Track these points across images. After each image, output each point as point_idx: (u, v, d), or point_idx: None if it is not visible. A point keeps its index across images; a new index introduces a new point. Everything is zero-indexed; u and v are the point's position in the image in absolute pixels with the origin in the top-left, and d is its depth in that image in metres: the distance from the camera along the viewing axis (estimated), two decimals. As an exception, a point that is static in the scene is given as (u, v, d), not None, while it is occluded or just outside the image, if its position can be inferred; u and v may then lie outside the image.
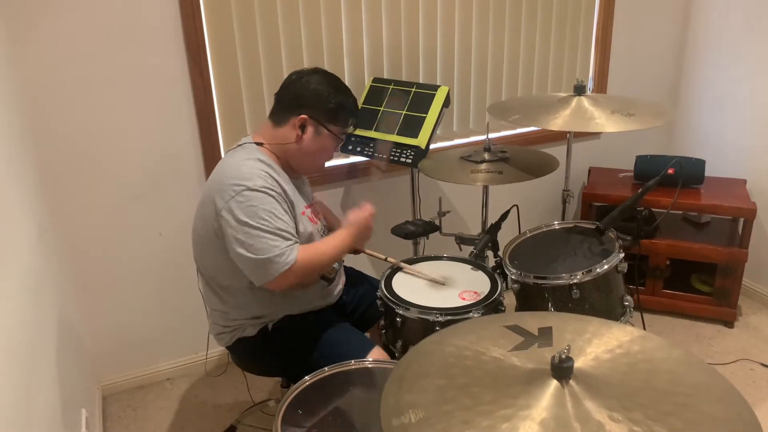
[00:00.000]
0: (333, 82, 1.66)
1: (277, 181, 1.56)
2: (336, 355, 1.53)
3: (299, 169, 1.70)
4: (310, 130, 1.62)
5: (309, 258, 1.52)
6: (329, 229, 1.81)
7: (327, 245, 1.61)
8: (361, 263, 2.55)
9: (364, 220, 1.69)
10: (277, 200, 1.52)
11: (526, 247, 1.91)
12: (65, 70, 1.94)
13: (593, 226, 1.89)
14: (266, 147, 1.64)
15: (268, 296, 1.64)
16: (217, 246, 1.56)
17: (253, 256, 1.47)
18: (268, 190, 1.51)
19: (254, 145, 1.63)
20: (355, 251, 1.88)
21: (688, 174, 2.64)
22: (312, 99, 1.62)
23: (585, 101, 2.03)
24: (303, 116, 1.61)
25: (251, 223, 1.47)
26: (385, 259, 1.82)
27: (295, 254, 1.48)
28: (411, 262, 1.88)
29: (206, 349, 2.41)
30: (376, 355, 1.60)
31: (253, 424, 2.12)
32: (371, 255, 1.80)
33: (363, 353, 1.58)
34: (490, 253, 1.99)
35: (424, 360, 1.03)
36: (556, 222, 2.01)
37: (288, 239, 1.50)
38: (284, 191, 1.57)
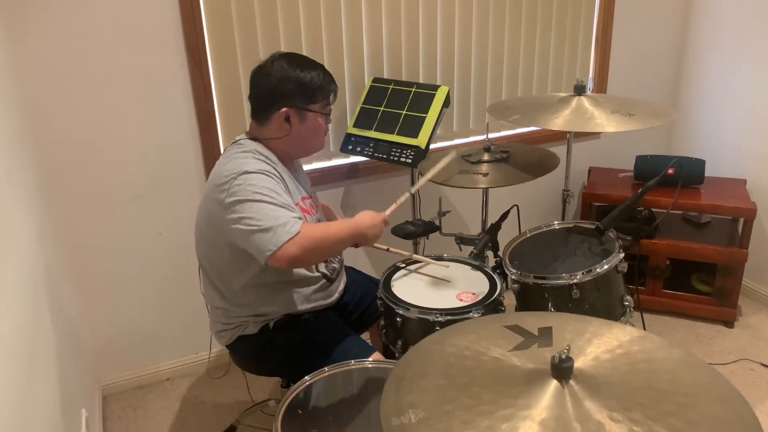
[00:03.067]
0: (295, 62, 1.61)
1: (275, 168, 1.56)
2: (337, 361, 1.52)
3: (299, 154, 1.70)
4: (295, 119, 1.61)
5: (312, 234, 1.46)
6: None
7: (331, 227, 1.55)
8: (361, 263, 2.55)
9: (374, 218, 1.63)
10: (276, 181, 1.51)
11: (526, 247, 1.91)
12: (65, 70, 1.94)
13: (593, 226, 1.89)
14: (261, 141, 1.64)
15: (271, 293, 1.64)
16: (220, 241, 1.56)
17: (256, 226, 1.43)
18: (265, 172, 1.51)
19: (249, 140, 1.63)
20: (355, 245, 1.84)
21: (688, 174, 2.64)
22: (283, 89, 1.58)
23: (585, 101, 2.03)
24: (284, 110, 1.59)
25: (252, 198, 1.45)
26: (387, 250, 1.80)
27: (299, 225, 1.44)
28: (411, 262, 1.88)
29: (208, 349, 2.41)
30: None
31: (253, 424, 2.12)
32: (376, 247, 1.77)
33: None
34: (490, 253, 1.99)
35: (424, 360, 1.03)
36: (556, 222, 2.01)
37: (292, 211, 1.47)
38: (282, 178, 1.57)
